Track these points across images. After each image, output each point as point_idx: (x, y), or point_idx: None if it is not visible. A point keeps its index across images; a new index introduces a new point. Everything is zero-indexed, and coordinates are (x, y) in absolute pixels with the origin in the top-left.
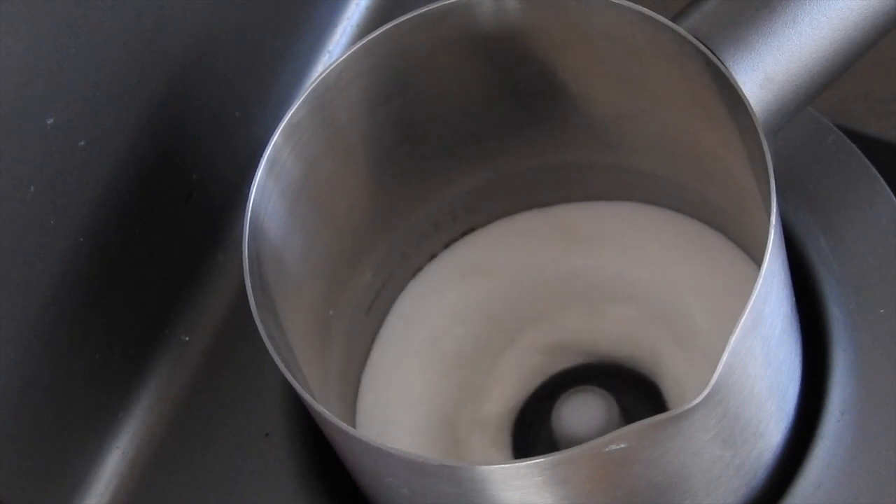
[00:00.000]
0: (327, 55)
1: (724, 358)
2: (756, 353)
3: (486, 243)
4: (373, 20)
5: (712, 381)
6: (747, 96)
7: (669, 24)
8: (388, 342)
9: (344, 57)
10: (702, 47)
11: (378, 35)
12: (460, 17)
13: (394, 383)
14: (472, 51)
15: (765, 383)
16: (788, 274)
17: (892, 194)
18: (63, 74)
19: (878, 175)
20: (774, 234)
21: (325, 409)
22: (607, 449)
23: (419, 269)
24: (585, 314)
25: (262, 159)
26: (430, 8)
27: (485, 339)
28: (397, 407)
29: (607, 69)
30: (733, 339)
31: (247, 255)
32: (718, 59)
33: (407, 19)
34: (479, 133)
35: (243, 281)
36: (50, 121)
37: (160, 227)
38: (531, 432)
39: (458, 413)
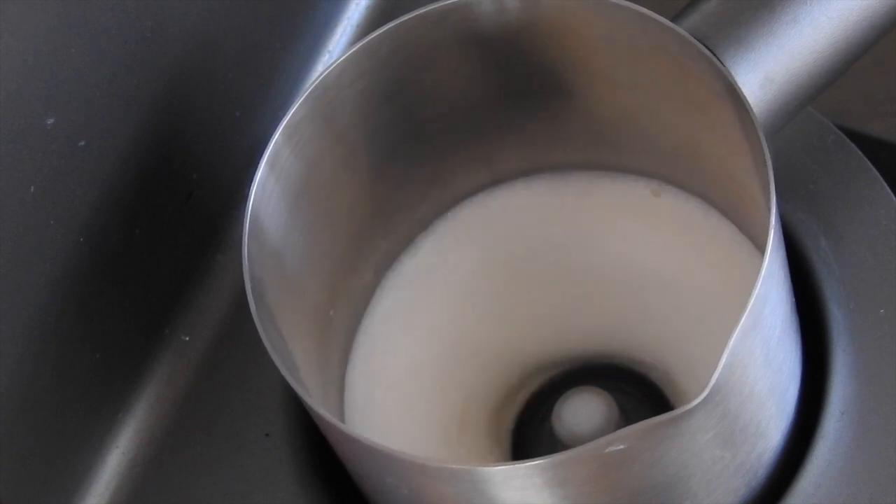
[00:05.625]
0: (327, 55)
1: (724, 359)
2: (756, 354)
3: (481, 231)
4: (373, 20)
5: (712, 382)
6: (747, 96)
7: (669, 24)
8: (378, 338)
9: (344, 57)
10: (702, 48)
11: (378, 35)
12: (460, 17)
13: (384, 380)
14: (472, 51)
15: (765, 383)
16: (788, 274)
17: (892, 194)
18: (63, 74)
19: (878, 175)
20: (774, 235)
21: (325, 410)
22: (607, 450)
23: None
24: (585, 305)
25: (262, 159)
26: (430, 8)
27: (482, 333)
28: (390, 404)
29: (607, 69)
30: (732, 340)
31: (247, 255)
32: (718, 59)
33: (407, 19)
34: (480, 133)
35: (243, 281)
36: (50, 121)
37: (160, 227)
38: (531, 432)
39: (455, 413)
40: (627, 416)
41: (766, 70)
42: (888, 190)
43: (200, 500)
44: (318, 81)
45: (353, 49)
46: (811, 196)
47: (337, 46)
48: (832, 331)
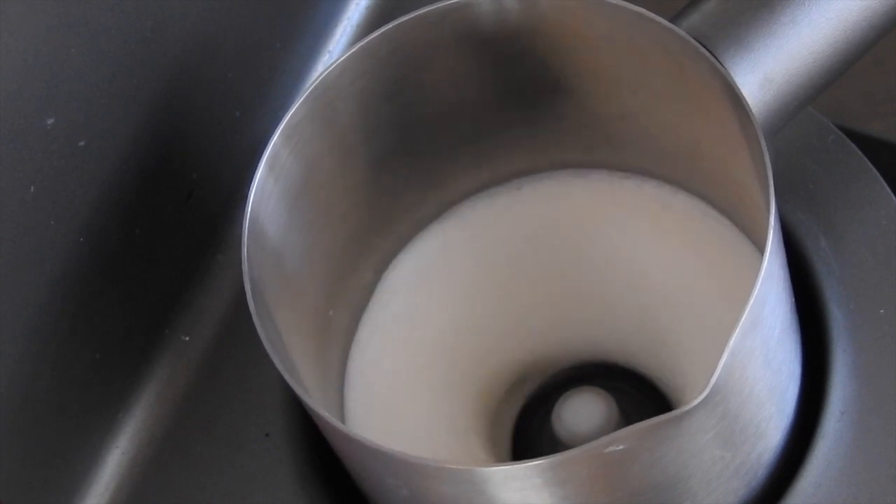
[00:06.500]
0: (327, 55)
1: (724, 359)
2: (755, 354)
3: (480, 230)
4: (373, 20)
5: (711, 382)
6: (747, 97)
7: (669, 25)
8: (378, 338)
9: (344, 57)
10: (701, 49)
11: (378, 35)
12: (460, 17)
13: (384, 380)
14: (472, 51)
15: (764, 384)
16: (788, 274)
17: (892, 194)
18: (63, 74)
19: (878, 175)
20: (773, 235)
21: (324, 410)
22: (607, 450)
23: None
24: (585, 305)
25: (261, 159)
26: (430, 8)
27: (482, 333)
28: (389, 404)
29: (607, 69)
30: (732, 340)
31: (247, 255)
32: (718, 60)
33: (407, 19)
34: (479, 133)
35: (243, 281)
36: (50, 121)
37: (160, 227)
38: (531, 432)
39: (455, 412)
40: (627, 416)
41: (766, 70)
42: (888, 190)
43: (200, 500)
44: (318, 81)
45: (353, 49)
46: (811, 196)
47: (337, 46)
48: (832, 331)
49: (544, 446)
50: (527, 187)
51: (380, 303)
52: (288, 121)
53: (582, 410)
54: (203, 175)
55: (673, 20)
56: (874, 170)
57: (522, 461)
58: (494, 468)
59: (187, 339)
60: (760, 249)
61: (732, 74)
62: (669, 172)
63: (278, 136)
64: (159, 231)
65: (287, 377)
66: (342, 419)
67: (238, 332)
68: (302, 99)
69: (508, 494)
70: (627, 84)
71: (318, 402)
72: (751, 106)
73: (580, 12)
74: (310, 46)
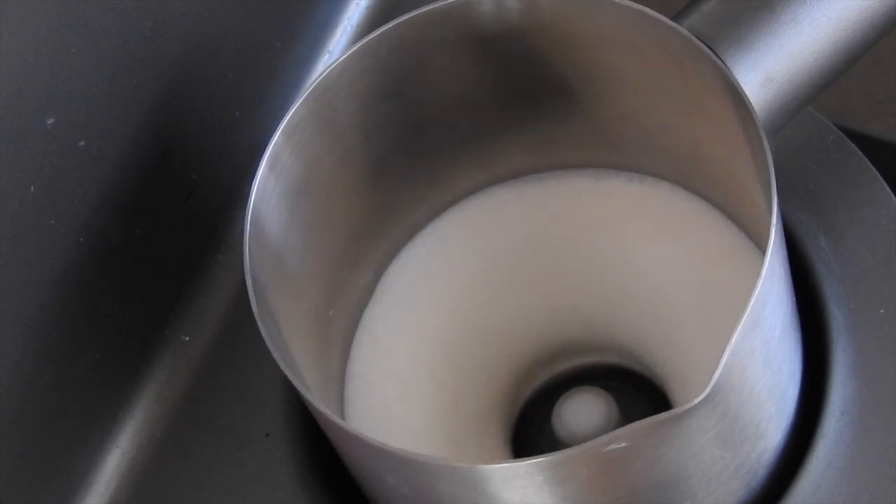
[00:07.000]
0: (327, 55)
1: (724, 358)
2: (756, 354)
3: (480, 230)
4: (373, 20)
5: (712, 382)
6: (748, 96)
7: (670, 23)
8: (378, 337)
9: (344, 57)
10: (703, 47)
11: (378, 35)
12: (460, 17)
13: (384, 379)
14: (472, 51)
15: (765, 383)
16: (789, 274)
17: (892, 194)
18: (63, 74)
19: (878, 175)
20: (775, 235)
21: (325, 408)
22: (607, 448)
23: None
24: (585, 305)
25: (262, 159)
26: (430, 8)
27: (482, 333)
28: (389, 403)
29: (607, 69)
30: (733, 340)
31: (247, 255)
32: (720, 58)
33: (407, 19)
34: (479, 133)
35: (243, 281)
36: (50, 121)
37: (160, 227)
38: (531, 432)
39: (455, 412)
40: (627, 416)
41: (767, 70)
42: (888, 190)
43: (200, 500)
44: (318, 81)
45: (353, 49)
46: (811, 196)
47: (337, 46)
48: (832, 331)
49: (544, 446)
50: (527, 187)
51: (380, 303)
52: (288, 120)
53: (582, 410)
54: (203, 175)
55: (674, 19)
56: (874, 170)
57: (523, 459)
58: (495, 466)
59: (187, 339)
60: (761, 249)
61: (733, 73)
62: (669, 172)
63: (279, 136)
64: (159, 231)
65: (290, 375)
66: (342, 418)
67: (238, 332)
68: (302, 99)
69: (509, 493)
70: (627, 84)
71: (318, 401)
72: (752, 105)
73: (580, 12)
74: (310, 46)
